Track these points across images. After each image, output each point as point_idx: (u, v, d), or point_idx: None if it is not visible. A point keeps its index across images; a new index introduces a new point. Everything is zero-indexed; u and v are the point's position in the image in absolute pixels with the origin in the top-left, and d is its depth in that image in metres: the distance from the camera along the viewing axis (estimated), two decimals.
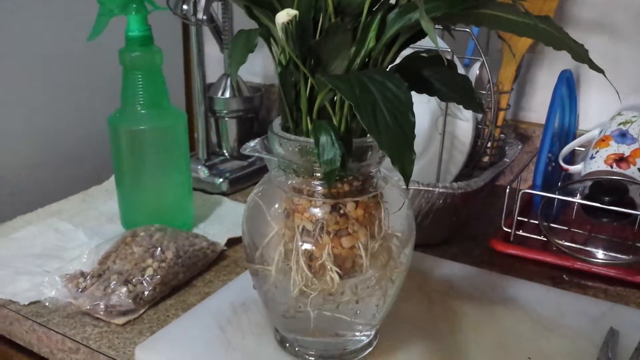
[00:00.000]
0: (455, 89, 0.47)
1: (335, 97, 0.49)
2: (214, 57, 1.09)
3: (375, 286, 0.54)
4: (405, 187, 0.41)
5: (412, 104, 0.41)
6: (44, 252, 0.75)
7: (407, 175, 0.40)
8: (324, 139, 0.46)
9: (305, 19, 0.47)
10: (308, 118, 0.50)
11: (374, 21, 0.46)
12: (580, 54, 0.44)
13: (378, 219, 0.53)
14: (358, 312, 0.54)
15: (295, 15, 0.44)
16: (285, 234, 0.53)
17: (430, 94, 0.47)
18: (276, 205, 0.54)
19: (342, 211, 0.51)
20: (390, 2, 0.47)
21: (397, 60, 0.51)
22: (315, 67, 0.48)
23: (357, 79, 0.42)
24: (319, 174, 0.51)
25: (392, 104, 0.41)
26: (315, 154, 0.47)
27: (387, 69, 0.49)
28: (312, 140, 0.48)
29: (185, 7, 0.84)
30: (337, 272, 0.51)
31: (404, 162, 0.40)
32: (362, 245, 0.52)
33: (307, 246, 0.51)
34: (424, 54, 0.50)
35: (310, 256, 0.52)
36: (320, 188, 0.51)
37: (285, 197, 0.54)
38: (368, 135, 0.49)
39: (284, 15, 0.43)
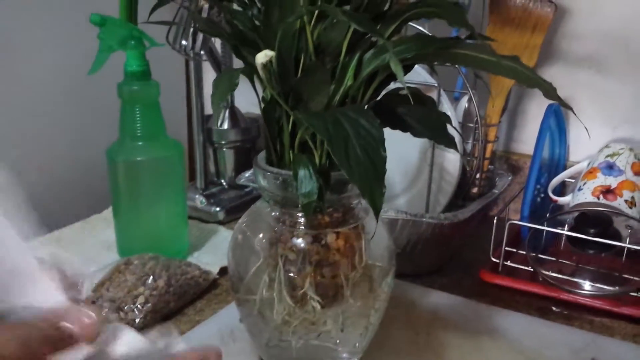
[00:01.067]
0: (428, 126, 0.48)
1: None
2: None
3: (357, 315, 0.56)
4: (375, 219, 0.42)
5: (383, 139, 0.43)
6: None
7: (377, 208, 0.41)
8: (302, 172, 0.48)
9: (287, 58, 0.50)
10: (290, 152, 0.53)
11: (351, 61, 0.49)
12: (550, 92, 0.46)
13: (359, 249, 0.54)
14: (339, 341, 0.55)
15: (272, 57, 0.46)
16: (269, 264, 0.55)
17: (404, 130, 0.49)
18: (261, 235, 0.56)
19: (323, 242, 0.53)
20: (371, 41, 0.50)
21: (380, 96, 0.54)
22: (297, 104, 0.50)
23: (332, 116, 0.44)
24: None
25: (364, 140, 0.43)
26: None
27: (365, 106, 0.51)
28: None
29: (184, 42, 0.86)
30: (319, 302, 0.53)
31: (374, 194, 0.41)
32: (343, 275, 0.53)
33: (289, 275, 0.53)
34: (402, 91, 0.52)
35: (293, 286, 0.53)
36: (302, 219, 0.53)
37: (269, 228, 0.55)
38: None
39: (263, 56, 0.46)
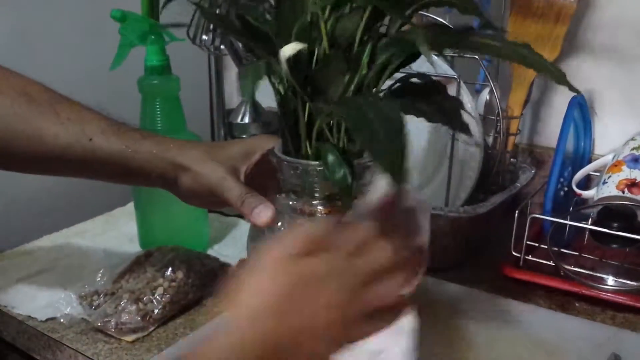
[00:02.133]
0: (441, 110, 0.48)
1: (332, 122, 0.51)
2: (235, 82, 1.13)
3: None
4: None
5: (403, 122, 0.43)
6: (65, 270, 0.78)
7: (400, 179, 0.40)
8: (331, 158, 0.48)
9: (302, 50, 0.50)
10: (307, 142, 0.53)
11: (365, 50, 0.48)
12: (559, 77, 0.45)
13: None
14: None
15: (301, 49, 0.46)
16: None
17: (417, 115, 0.49)
18: (279, 224, 0.56)
19: None
20: (381, 31, 0.49)
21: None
22: (313, 95, 0.50)
23: (354, 103, 0.44)
24: (318, 195, 0.53)
25: (386, 123, 0.43)
26: (316, 175, 0.50)
27: (381, 94, 0.51)
28: (312, 162, 0.51)
29: (204, 37, 0.87)
30: None
31: (396, 169, 0.40)
32: None
33: None
34: (415, 80, 0.52)
35: None
36: (320, 208, 0.53)
37: (287, 218, 0.55)
38: (364, 155, 0.51)
39: (290, 49, 0.46)
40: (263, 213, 0.52)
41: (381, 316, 0.42)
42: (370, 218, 0.43)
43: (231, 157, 0.57)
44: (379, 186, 0.46)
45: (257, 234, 0.58)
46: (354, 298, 0.40)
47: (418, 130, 0.80)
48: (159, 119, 0.78)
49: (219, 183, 0.55)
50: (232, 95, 1.16)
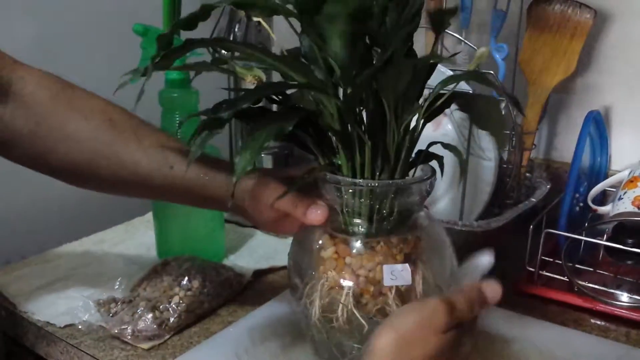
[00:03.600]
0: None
1: None
2: None
3: None
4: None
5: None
6: (84, 278, 0.80)
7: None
8: None
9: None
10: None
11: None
12: None
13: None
14: None
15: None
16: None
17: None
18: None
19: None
20: None
21: None
22: None
23: None
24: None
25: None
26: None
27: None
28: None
29: (223, 52, 0.89)
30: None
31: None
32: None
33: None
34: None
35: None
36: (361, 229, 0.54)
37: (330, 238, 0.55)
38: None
39: None
40: (317, 211, 0.54)
41: None
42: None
43: (284, 176, 0.59)
44: (479, 265, 0.53)
45: (299, 250, 0.59)
46: None
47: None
48: (178, 131, 0.79)
49: (273, 194, 0.55)
50: None
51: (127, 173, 0.59)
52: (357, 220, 0.54)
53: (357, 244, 0.53)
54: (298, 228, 0.59)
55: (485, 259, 0.54)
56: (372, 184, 0.52)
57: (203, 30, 0.54)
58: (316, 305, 0.54)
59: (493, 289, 0.49)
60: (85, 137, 0.58)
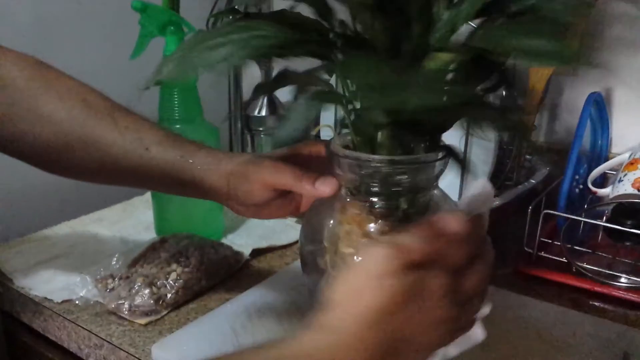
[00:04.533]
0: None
1: None
2: (253, 75, 1.14)
3: None
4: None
5: None
6: (82, 255, 0.80)
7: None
8: None
9: None
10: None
11: None
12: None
13: None
14: None
15: None
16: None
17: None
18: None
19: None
20: None
21: None
22: None
23: None
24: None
25: None
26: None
27: None
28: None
29: None
30: None
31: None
32: None
33: None
34: None
35: None
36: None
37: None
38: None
39: None
40: (327, 182, 0.51)
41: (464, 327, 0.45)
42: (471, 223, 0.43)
43: (278, 156, 0.56)
44: (479, 184, 0.49)
45: (310, 233, 0.57)
46: (461, 314, 0.42)
47: None
48: (176, 108, 0.79)
49: (271, 171, 0.53)
50: (250, 87, 1.17)
51: (101, 155, 0.57)
52: (374, 199, 0.53)
53: (373, 223, 0.52)
54: (292, 211, 0.57)
55: (479, 184, 0.49)
56: (395, 159, 0.49)
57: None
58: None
59: (453, 218, 0.41)
60: (60, 118, 0.56)
